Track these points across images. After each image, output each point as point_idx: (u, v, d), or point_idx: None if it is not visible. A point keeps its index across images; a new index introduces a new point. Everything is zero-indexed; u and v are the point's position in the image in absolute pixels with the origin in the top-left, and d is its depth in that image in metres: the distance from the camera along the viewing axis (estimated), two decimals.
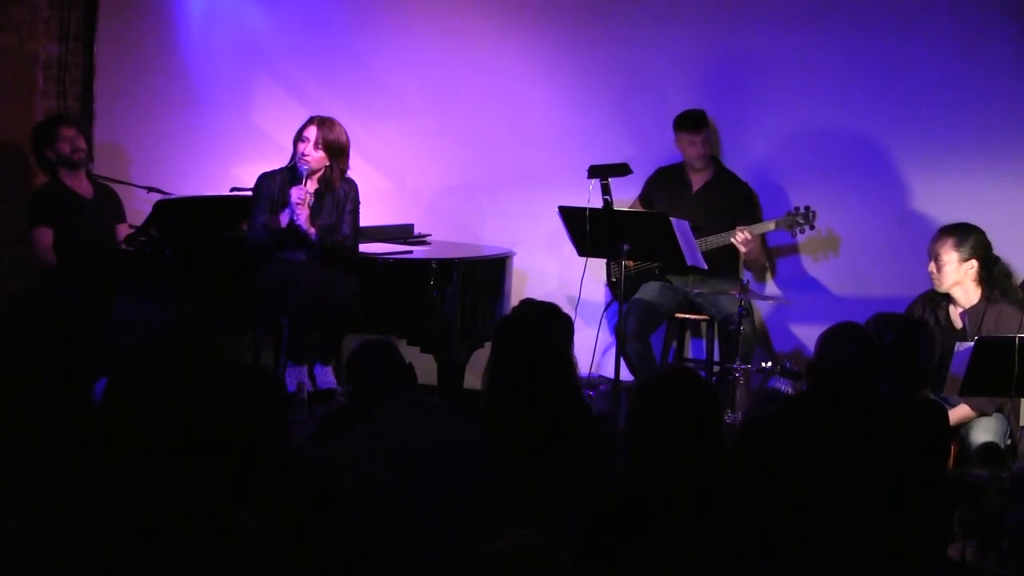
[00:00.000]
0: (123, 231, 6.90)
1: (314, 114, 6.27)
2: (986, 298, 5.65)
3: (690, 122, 6.60)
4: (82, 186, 6.81)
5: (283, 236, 6.13)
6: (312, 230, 6.09)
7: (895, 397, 4.18)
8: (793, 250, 6.83)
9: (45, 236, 6.60)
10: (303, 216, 6.05)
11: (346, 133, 6.22)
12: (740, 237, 6.37)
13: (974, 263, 5.65)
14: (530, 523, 2.57)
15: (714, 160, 6.74)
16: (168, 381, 2.82)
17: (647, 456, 3.03)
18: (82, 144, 6.80)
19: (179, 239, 6.40)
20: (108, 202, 6.93)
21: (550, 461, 3.78)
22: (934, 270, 5.70)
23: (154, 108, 7.71)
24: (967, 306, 5.68)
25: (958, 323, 5.68)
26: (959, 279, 5.66)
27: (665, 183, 6.78)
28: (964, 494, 4.45)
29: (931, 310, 5.72)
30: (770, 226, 6.46)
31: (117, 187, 7.09)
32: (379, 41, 7.42)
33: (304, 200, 6.05)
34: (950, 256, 5.64)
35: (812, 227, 6.43)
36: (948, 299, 5.72)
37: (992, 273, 5.68)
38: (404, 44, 7.38)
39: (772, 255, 6.88)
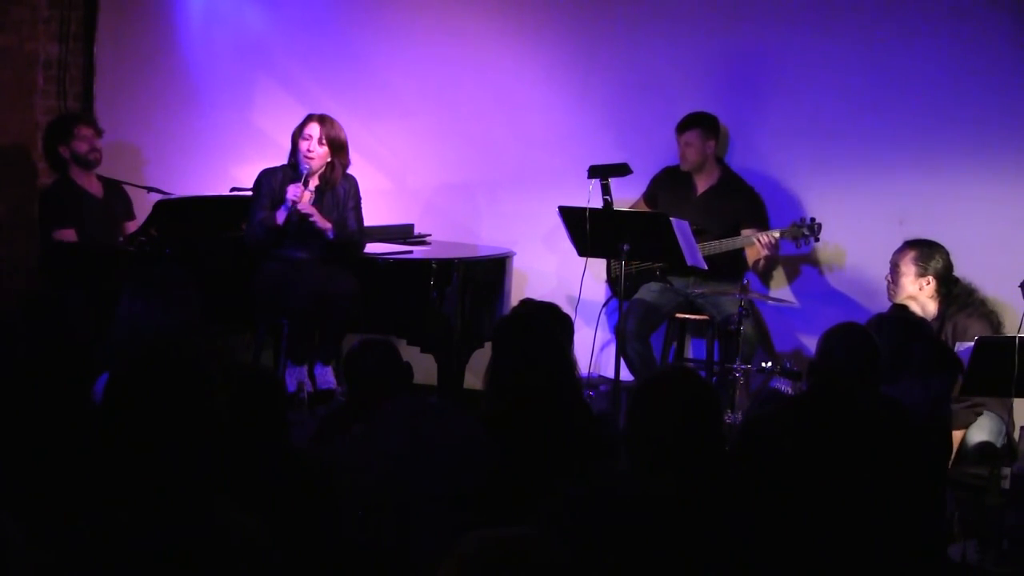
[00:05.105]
0: (132, 228, 6.90)
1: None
2: (942, 314, 5.73)
3: (680, 123, 6.62)
4: (92, 185, 6.83)
5: (280, 233, 6.12)
6: (328, 225, 6.10)
7: (895, 397, 4.18)
8: (799, 258, 6.81)
9: (69, 236, 6.56)
10: (316, 215, 6.07)
11: (343, 129, 6.24)
12: (765, 240, 6.33)
13: (931, 280, 5.75)
14: (530, 522, 2.57)
15: (720, 163, 6.72)
16: (168, 381, 2.81)
17: (647, 456, 3.02)
18: (99, 145, 6.85)
19: (179, 239, 6.40)
20: (117, 200, 6.94)
21: (550, 461, 3.78)
22: (890, 280, 5.82)
23: (154, 108, 7.72)
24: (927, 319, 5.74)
25: None
26: (914, 294, 5.76)
27: (670, 184, 6.75)
28: (964, 494, 4.45)
29: None
30: (775, 235, 6.42)
31: None
32: (379, 41, 7.43)
33: (301, 197, 6.04)
34: (908, 268, 5.77)
35: (817, 239, 6.41)
36: None
37: (951, 291, 5.77)
38: (404, 44, 7.38)
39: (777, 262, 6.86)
